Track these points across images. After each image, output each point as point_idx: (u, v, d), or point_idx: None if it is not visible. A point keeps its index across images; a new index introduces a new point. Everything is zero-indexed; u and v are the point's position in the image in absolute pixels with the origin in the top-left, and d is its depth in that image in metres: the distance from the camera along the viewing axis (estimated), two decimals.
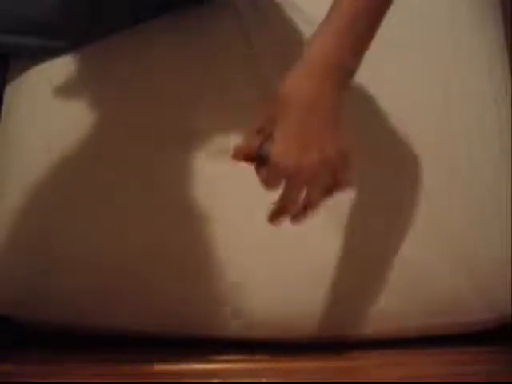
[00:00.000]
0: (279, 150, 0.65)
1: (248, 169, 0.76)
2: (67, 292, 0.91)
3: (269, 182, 0.67)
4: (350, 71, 0.67)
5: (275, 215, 0.71)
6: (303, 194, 0.69)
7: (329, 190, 0.69)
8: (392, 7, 0.99)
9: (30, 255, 0.92)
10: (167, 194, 0.93)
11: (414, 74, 0.97)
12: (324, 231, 0.92)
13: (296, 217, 0.71)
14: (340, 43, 0.66)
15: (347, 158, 0.68)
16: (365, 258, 0.91)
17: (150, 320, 0.91)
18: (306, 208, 0.70)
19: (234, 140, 0.76)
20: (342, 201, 0.92)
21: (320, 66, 0.65)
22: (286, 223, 0.72)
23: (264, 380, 0.77)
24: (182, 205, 0.93)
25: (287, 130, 0.65)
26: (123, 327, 0.91)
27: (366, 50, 0.68)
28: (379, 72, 0.96)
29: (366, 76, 0.96)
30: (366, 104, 0.96)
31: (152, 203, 0.93)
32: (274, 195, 0.70)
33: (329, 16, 0.68)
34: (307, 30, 0.90)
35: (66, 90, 0.97)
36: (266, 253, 0.91)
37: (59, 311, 0.92)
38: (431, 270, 0.90)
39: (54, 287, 0.92)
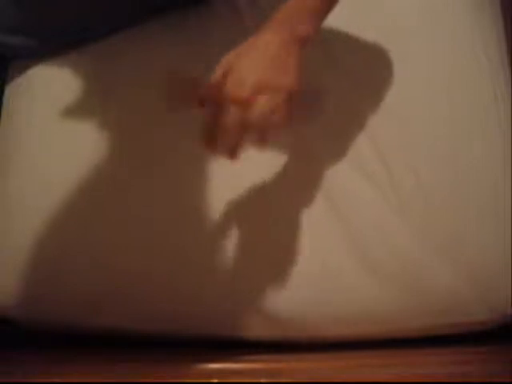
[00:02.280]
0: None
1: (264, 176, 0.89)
2: (67, 292, 0.92)
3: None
4: (307, 32, 0.78)
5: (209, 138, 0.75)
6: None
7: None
8: (392, 8, 1.00)
9: (29, 256, 0.92)
10: (171, 195, 0.93)
11: (413, 75, 0.97)
12: (327, 232, 0.92)
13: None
14: (298, 12, 0.78)
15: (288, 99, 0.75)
16: (364, 257, 0.91)
17: (150, 320, 0.92)
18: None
19: None
20: (350, 203, 0.92)
21: (279, 28, 0.77)
22: None
23: (263, 380, 0.77)
24: (190, 204, 0.93)
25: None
26: (123, 327, 0.92)
27: (324, 17, 0.79)
28: (379, 72, 0.97)
29: (366, 75, 0.97)
30: (366, 102, 0.96)
31: (155, 203, 0.93)
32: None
33: None
34: None
35: (65, 91, 0.97)
36: (273, 253, 0.92)
37: (59, 311, 0.92)
38: (431, 270, 0.90)
39: (55, 287, 0.92)
